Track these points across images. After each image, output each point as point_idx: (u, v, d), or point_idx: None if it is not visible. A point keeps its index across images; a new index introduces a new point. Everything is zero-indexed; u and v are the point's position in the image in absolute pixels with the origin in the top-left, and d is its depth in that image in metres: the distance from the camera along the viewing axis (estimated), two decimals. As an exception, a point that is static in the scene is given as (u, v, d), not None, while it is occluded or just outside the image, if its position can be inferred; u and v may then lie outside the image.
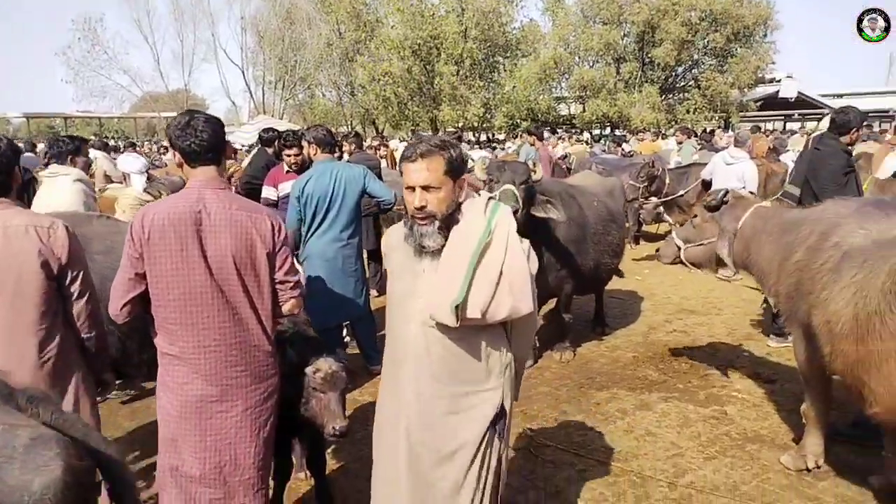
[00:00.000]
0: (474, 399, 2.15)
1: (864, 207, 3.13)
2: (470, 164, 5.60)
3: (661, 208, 9.28)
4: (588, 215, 5.26)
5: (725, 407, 4.43)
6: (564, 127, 32.80)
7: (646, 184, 8.61)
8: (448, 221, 2.09)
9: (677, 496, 3.39)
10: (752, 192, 6.24)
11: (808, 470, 3.52)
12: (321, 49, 33.07)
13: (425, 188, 2.04)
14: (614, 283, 7.68)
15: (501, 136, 31.18)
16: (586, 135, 24.65)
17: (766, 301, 6.05)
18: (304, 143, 4.90)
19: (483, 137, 31.13)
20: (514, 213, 4.08)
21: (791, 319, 3.50)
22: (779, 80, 35.19)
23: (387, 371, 2.32)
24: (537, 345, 5.47)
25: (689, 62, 31.18)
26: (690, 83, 31.37)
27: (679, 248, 4.34)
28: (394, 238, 2.28)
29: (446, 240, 2.09)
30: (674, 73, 32.01)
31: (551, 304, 5.77)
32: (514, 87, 31.47)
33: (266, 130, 6.83)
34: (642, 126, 26.46)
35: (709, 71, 29.79)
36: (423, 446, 2.16)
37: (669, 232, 10.60)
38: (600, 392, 4.75)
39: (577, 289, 5.44)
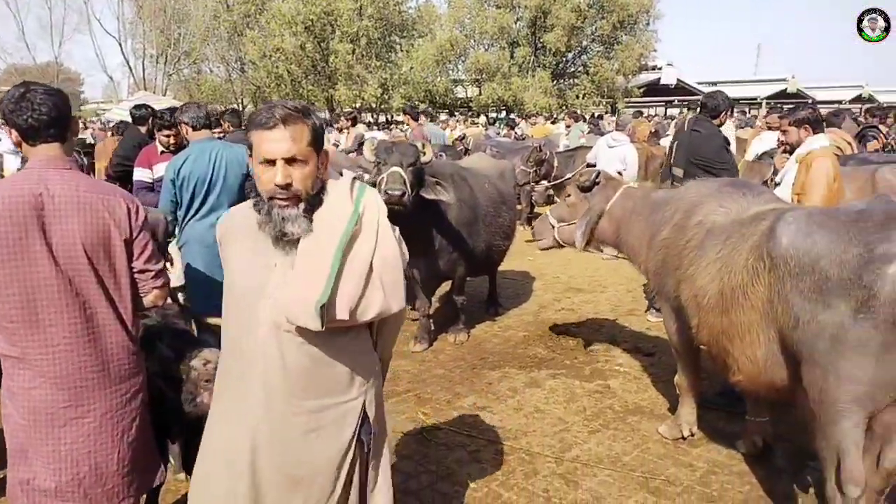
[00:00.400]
0: (335, 412, 1.87)
1: (723, 188, 3.33)
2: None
3: (552, 191, 9.55)
4: (479, 197, 5.29)
5: (609, 381, 4.63)
6: (462, 110, 33.16)
7: (535, 168, 8.81)
8: (313, 203, 1.80)
9: (563, 470, 3.49)
10: (621, 174, 6.52)
11: (684, 438, 3.74)
12: (207, 22, 31.30)
13: (289, 161, 1.73)
14: (507, 265, 7.83)
15: (400, 118, 30.87)
16: (483, 118, 24.96)
17: (647, 278, 6.39)
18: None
19: (382, 119, 30.82)
20: (401, 195, 4.02)
21: (660, 294, 3.69)
22: (660, 68, 37.25)
23: (222, 388, 1.95)
24: (432, 328, 5.47)
25: (579, 48, 32.29)
26: (580, 69, 32.52)
27: (553, 227, 4.42)
28: (236, 224, 1.93)
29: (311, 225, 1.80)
30: (564, 59, 33.02)
31: (446, 286, 5.78)
32: (411, 67, 31.35)
33: (138, 107, 6.31)
34: (535, 110, 27.17)
35: (597, 57, 31.01)
36: (278, 472, 1.85)
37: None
38: (493, 371, 4.82)
39: (470, 271, 5.47)
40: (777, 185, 4.20)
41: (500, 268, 6.54)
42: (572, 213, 4.25)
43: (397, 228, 1.93)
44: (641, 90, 34.18)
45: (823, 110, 6.21)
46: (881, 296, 2.25)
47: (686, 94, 38.07)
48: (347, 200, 1.84)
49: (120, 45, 31.62)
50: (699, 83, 41.13)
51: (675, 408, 3.98)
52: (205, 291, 4.43)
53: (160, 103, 16.20)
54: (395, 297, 1.85)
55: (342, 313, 1.74)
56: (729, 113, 5.45)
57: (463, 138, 13.49)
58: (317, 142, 1.80)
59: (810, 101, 38.32)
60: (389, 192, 4.11)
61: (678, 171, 5.55)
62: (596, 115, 24.22)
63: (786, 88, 40.45)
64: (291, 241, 1.79)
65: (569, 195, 4.30)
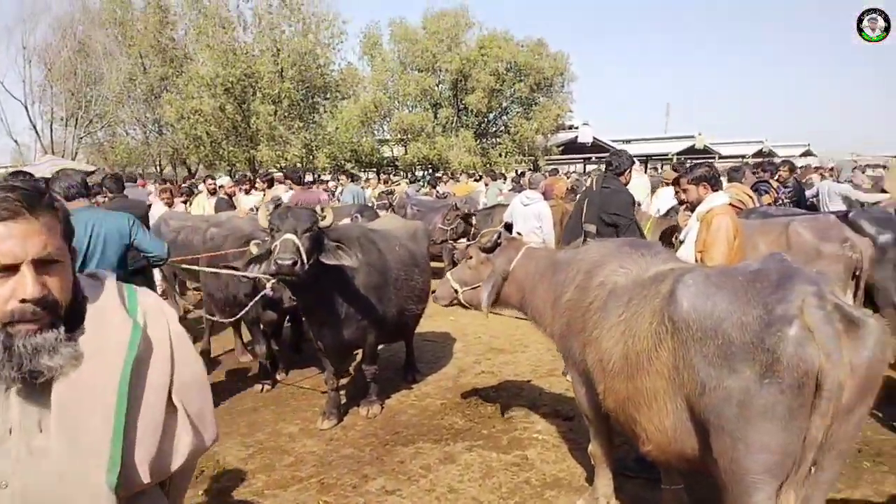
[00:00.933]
0: None
1: (622, 248, 3.27)
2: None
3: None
4: (390, 260, 5.08)
5: (527, 451, 4.40)
6: (389, 169, 33.37)
7: (453, 226, 8.73)
8: (74, 321, 1.27)
9: (477, 559, 3.21)
10: (527, 233, 6.54)
11: (603, 511, 3.53)
12: (122, 84, 30.47)
13: (43, 263, 1.21)
14: (428, 325, 7.61)
15: (327, 177, 30.67)
16: (402, 176, 25.19)
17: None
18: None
19: (309, 178, 30.51)
20: (293, 265, 3.77)
21: (567, 358, 3.55)
22: (577, 127, 38.97)
23: None
24: (343, 401, 5.13)
25: (499, 109, 33.37)
26: (501, 129, 33.55)
27: (455, 291, 4.27)
28: None
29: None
30: (486, 119, 34.03)
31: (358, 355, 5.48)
32: (336, 128, 31.45)
33: (14, 174, 5.83)
34: (461, 168, 27.62)
35: (516, 118, 32.09)
36: None
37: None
38: (405, 448, 4.51)
39: (382, 338, 5.20)
40: (682, 242, 4.21)
41: (421, 328, 6.30)
42: (475, 276, 4.10)
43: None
44: (560, 148, 35.51)
45: (727, 165, 6.48)
46: (784, 359, 2.15)
47: (602, 151, 39.63)
48: (118, 308, 1.34)
49: (26, 108, 30.19)
50: (614, 140, 43.24)
51: (593, 478, 3.78)
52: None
53: (71, 167, 15.43)
54: (206, 429, 1.43)
55: (141, 477, 1.26)
56: (629, 172, 5.59)
57: (390, 193, 13.41)
58: (69, 233, 1.32)
59: (716, 156, 41.04)
60: (279, 261, 3.87)
61: (590, 228, 5.60)
62: (519, 172, 24.85)
63: (694, 144, 43.13)
64: (38, 388, 1.21)
65: (471, 257, 4.15)
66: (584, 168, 39.31)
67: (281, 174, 29.29)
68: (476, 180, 18.34)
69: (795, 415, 2.18)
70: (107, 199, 6.13)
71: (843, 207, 8.56)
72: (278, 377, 6.06)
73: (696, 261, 3.89)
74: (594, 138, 39.55)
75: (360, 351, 5.33)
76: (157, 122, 31.84)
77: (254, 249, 4.43)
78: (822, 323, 2.13)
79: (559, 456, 4.32)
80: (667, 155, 39.71)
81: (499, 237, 4.05)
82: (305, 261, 3.98)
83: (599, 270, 3.15)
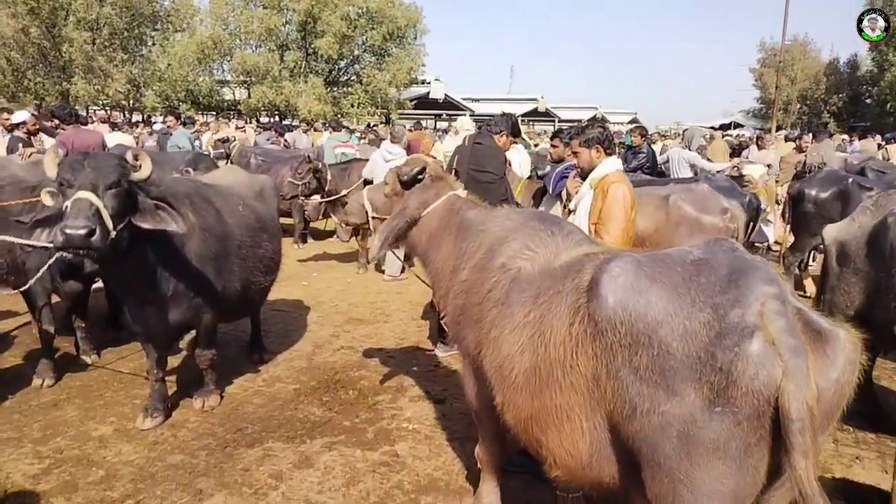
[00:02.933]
0: None
1: (529, 222, 2.73)
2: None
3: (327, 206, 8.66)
4: (231, 224, 4.20)
5: (396, 445, 3.85)
6: (230, 112, 30.82)
7: (305, 181, 7.84)
8: None
9: None
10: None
11: (483, 520, 3.09)
12: None
13: None
14: (278, 293, 6.75)
15: (157, 118, 27.44)
16: (254, 122, 23.24)
17: (432, 304, 5.81)
18: None
19: (137, 118, 27.17)
20: (87, 235, 2.84)
21: (458, 344, 3.01)
22: (429, 82, 38.56)
23: None
24: (168, 394, 4.23)
25: (351, 57, 31.94)
26: (353, 78, 32.17)
27: (367, 213, 3.48)
28: None
29: None
30: (337, 67, 32.46)
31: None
32: (168, 64, 28.30)
33: None
34: (311, 117, 26.04)
35: (369, 67, 30.91)
36: None
37: (336, 229, 10.21)
38: (251, 450, 3.77)
39: (221, 317, 4.33)
40: (571, 212, 3.81)
41: (270, 296, 5.47)
42: (386, 207, 3.34)
43: None
44: (413, 103, 34.92)
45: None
46: (743, 382, 1.73)
47: (454, 108, 39.90)
48: None
49: None
50: (464, 99, 43.60)
51: (474, 477, 3.34)
52: None
53: None
54: None
55: None
56: (506, 135, 5.18)
57: (226, 141, 11.95)
58: None
59: (556, 119, 42.91)
60: (68, 230, 2.88)
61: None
62: (371, 125, 23.88)
63: (537, 107, 44.74)
64: None
65: (387, 184, 3.36)
66: (436, 124, 39.20)
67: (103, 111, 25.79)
68: (315, 130, 16.95)
69: (752, 451, 1.78)
70: None
71: (690, 174, 8.88)
72: (88, 360, 4.95)
73: (590, 234, 3.51)
74: (446, 95, 39.46)
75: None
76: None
77: (47, 200, 3.27)
78: (786, 336, 1.73)
79: (433, 450, 3.82)
80: (512, 115, 40.63)
81: (422, 171, 3.21)
82: (110, 227, 3.03)
83: (502, 249, 2.60)
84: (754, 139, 14.49)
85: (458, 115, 39.60)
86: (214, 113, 31.29)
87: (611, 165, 3.64)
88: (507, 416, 2.41)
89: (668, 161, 9.50)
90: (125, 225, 3.17)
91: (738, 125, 40.30)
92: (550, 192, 5.00)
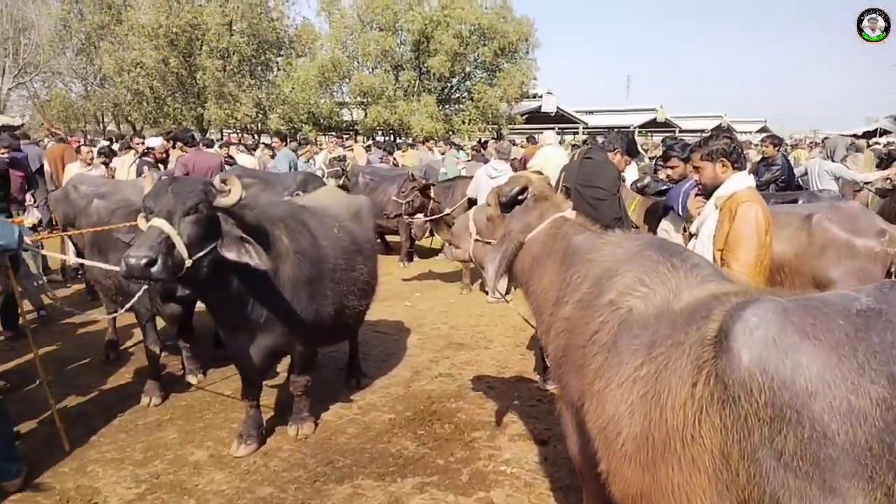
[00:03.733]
0: None
1: (645, 251, 2.31)
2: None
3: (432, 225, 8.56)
4: (325, 247, 4.08)
5: (492, 492, 3.53)
6: (350, 133, 31.98)
7: (409, 199, 7.75)
8: None
9: None
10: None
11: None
12: (56, 31, 28.05)
13: None
14: (380, 312, 6.70)
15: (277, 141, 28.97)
16: (359, 141, 23.91)
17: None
18: None
19: (265, 140, 28.93)
20: (146, 265, 2.81)
21: (560, 387, 2.65)
22: (540, 96, 38.05)
23: None
24: (264, 422, 4.17)
25: (462, 74, 32.15)
26: (464, 95, 32.35)
27: (471, 237, 3.14)
28: None
29: None
30: (449, 85, 32.78)
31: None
32: (292, 88, 29.85)
33: None
34: (423, 135, 26.43)
35: (480, 84, 30.92)
36: None
37: (443, 247, 10.07)
38: (340, 486, 3.59)
39: (315, 343, 4.23)
40: (693, 236, 3.34)
41: (372, 316, 5.36)
42: (490, 231, 3.06)
43: None
44: (524, 117, 34.56)
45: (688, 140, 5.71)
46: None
47: (565, 121, 39.16)
48: None
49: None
50: (577, 111, 42.63)
51: (578, 538, 2.95)
52: None
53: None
54: None
55: None
56: (621, 154, 4.74)
57: (342, 160, 12.26)
58: None
59: (677, 129, 40.89)
60: (130, 261, 2.86)
61: None
62: (481, 140, 23.82)
63: (655, 118, 42.86)
64: None
65: (488, 205, 3.09)
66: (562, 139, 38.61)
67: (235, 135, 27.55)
68: (429, 149, 16.99)
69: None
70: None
71: (835, 188, 7.90)
72: (192, 380, 5.05)
73: (715, 261, 3.04)
74: (558, 108, 38.77)
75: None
76: (97, 74, 29.57)
77: (142, 224, 3.32)
78: None
79: (532, 500, 3.45)
80: (629, 127, 39.33)
81: (523, 191, 2.91)
82: (185, 255, 2.99)
83: (611, 283, 2.22)
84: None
85: (570, 128, 38.86)
86: (334, 133, 32.61)
87: (740, 182, 3.13)
88: (613, 488, 2.03)
89: (806, 174, 8.53)
90: (208, 252, 3.11)
91: (884, 132, 36.34)
92: (679, 211, 4.49)
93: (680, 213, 4.62)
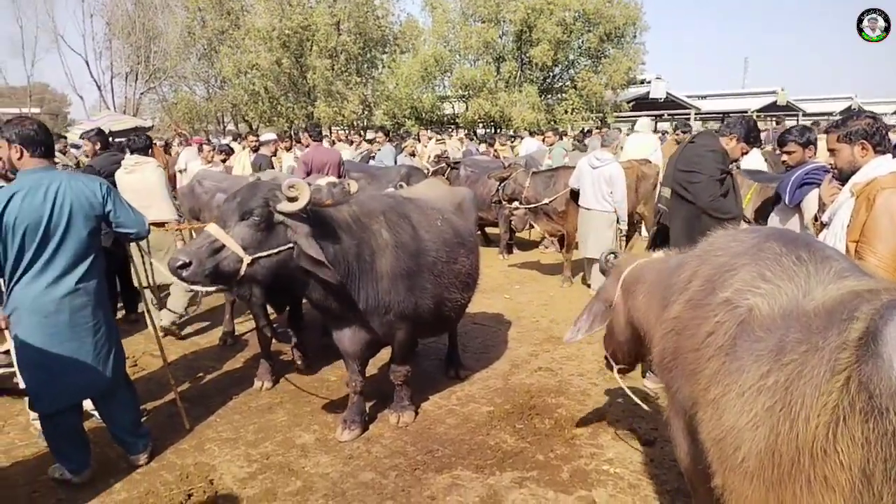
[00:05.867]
0: None
1: (766, 243, 2.09)
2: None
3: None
4: (426, 239, 4.09)
5: (594, 491, 3.41)
6: (451, 126, 32.26)
7: (499, 187, 7.72)
8: None
9: None
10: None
11: None
12: (181, 37, 30.25)
13: None
14: (480, 305, 6.68)
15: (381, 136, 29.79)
16: (455, 133, 23.99)
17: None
18: (3, 143, 3.35)
19: (371, 136, 29.84)
20: (182, 266, 3.13)
21: (668, 392, 2.50)
22: (649, 82, 36.47)
23: None
24: (366, 408, 4.27)
25: (566, 62, 31.44)
26: (567, 83, 31.64)
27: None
28: None
29: None
30: (551, 74, 32.18)
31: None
32: (396, 84, 30.50)
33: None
34: (524, 126, 26.18)
35: (584, 71, 30.13)
36: None
37: (544, 238, 9.94)
38: (439, 475, 3.61)
39: (415, 334, 4.27)
40: (824, 225, 3.04)
41: (471, 308, 5.36)
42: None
43: None
44: (630, 104, 33.34)
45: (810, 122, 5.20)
46: None
47: (676, 107, 37.35)
48: None
49: (87, 63, 30.34)
50: (689, 96, 40.51)
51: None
52: (46, 379, 3.32)
53: (121, 123, 15.01)
54: None
55: None
56: (739, 139, 4.41)
57: (446, 156, 12.38)
58: None
59: (800, 113, 37.93)
60: (170, 262, 3.15)
61: (665, 191, 4.58)
62: (585, 130, 23.20)
63: (775, 101, 39.94)
64: None
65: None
66: (656, 126, 37.06)
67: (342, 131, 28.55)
68: (524, 137, 16.62)
69: None
70: (88, 156, 5.39)
71: None
72: (301, 366, 5.26)
73: (849, 253, 2.75)
74: (667, 93, 37.02)
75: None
76: (218, 77, 31.68)
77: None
78: None
79: (637, 502, 3.31)
80: (746, 111, 36.95)
81: (607, 258, 3.32)
82: (241, 255, 3.20)
83: (726, 280, 2.04)
84: None
85: (682, 114, 37.01)
86: (435, 127, 32.99)
87: (882, 166, 2.81)
88: (731, 504, 1.86)
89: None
90: (274, 254, 3.30)
91: None
92: (786, 201, 4.14)
93: (787, 202, 4.24)
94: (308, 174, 6.85)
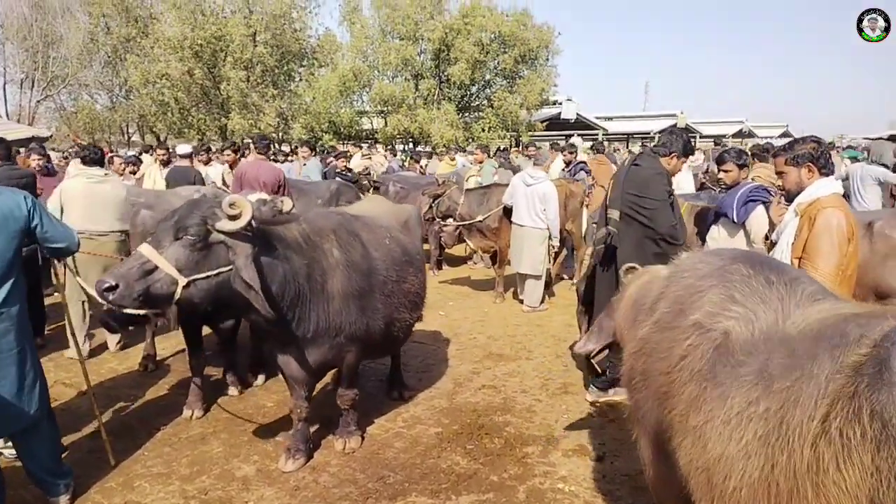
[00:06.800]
0: None
1: (732, 265, 2.13)
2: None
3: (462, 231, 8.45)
4: (376, 258, 3.99)
5: (552, 511, 3.41)
6: (369, 142, 32.05)
7: (431, 204, 7.74)
8: None
9: None
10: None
11: None
12: (83, 45, 28.51)
13: None
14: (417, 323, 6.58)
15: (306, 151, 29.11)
16: (378, 148, 23.93)
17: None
18: None
19: (287, 149, 29.11)
20: (108, 289, 2.94)
21: (634, 410, 2.50)
22: (560, 103, 37.88)
23: None
24: (311, 436, 4.07)
25: (482, 82, 32.13)
26: (484, 102, 32.31)
27: None
28: None
29: None
30: (469, 92, 32.76)
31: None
32: (313, 98, 30.04)
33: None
34: (443, 143, 26.41)
35: (500, 91, 30.88)
36: None
37: (473, 254, 9.99)
38: (393, 503, 3.48)
39: (364, 355, 4.13)
40: (773, 244, 3.20)
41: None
42: None
43: None
44: (544, 124, 34.45)
45: (708, 145, 5.52)
46: None
47: (586, 128, 38.90)
48: None
49: (-27, 68, 28.04)
50: (597, 117, 42.36)
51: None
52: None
53: (16, 132, 13.84)
54: None
55: None
56: (678, 158, 4.57)
57: (367, 173, 12.27)
58: None
59: (697, 135, 40.48)
60: (97, 284, 2.95)
61: (613, 213, 4.67)
62: (502, 148, 23.71)
63: (675, 123, 42.44)
64: None
65: None
66: (591, 146, 38.32)
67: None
68: (452, 159, 16.70)
69: None
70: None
71: (878, 192, 7.69)
72: (234, 391, 4.98)
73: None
74: (578, 114, 38.55)
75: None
76: (123, 86, 30.06)
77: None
78: None
79: (595, 520, 3.34)
80: (648, 133, 39.14)
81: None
82: (176, 277, 3.02)
83: (693, 301, 2.07)
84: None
85: (590, 134, 38.59)
86: (353, 142, 32.69)
87: (824, 187, 3.00)
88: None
89: (847, 178, 8.31)
90: (214, 275, 3.12)
91: (913, 135, 35.70)
92: (734, 218, 4.35)
93: (735, 219, 4.47)
94: (240, 189, 6.52)
